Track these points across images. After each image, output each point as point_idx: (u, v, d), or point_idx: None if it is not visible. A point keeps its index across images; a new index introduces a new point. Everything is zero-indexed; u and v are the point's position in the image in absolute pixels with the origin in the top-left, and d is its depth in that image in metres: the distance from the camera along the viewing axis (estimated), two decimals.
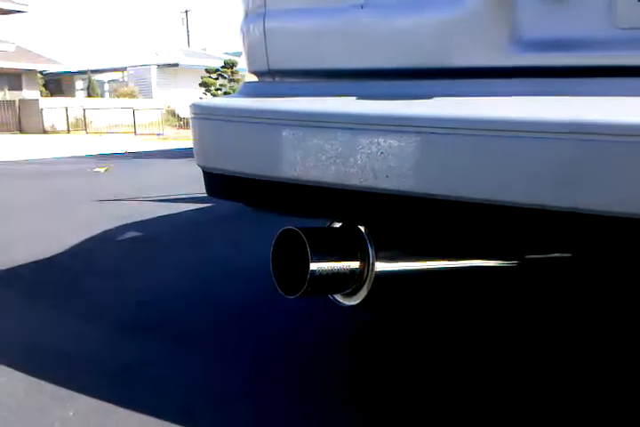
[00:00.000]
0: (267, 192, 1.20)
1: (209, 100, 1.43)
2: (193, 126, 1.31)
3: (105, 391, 1.32)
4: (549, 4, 0.97)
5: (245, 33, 1.39)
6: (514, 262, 1.39)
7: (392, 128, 0.99)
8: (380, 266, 1.19)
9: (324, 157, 1.07)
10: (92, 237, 2.87)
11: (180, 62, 26.99)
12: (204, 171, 1.31)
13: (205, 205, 3.67)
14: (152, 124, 19.56)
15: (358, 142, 1.02)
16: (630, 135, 0.78)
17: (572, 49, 0.96)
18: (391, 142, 0.98)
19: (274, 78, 1.34)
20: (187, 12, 39.96)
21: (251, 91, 1.34)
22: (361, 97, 1.11)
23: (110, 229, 3.05)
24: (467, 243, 1.26)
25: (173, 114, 22.47)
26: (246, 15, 1.37)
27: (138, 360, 1.49)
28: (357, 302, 1.21)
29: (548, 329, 1.64)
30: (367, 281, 1.19)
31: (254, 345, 1.57)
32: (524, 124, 0.86)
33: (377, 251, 1.19)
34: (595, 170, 0.80)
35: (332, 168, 1.06)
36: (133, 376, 1.40)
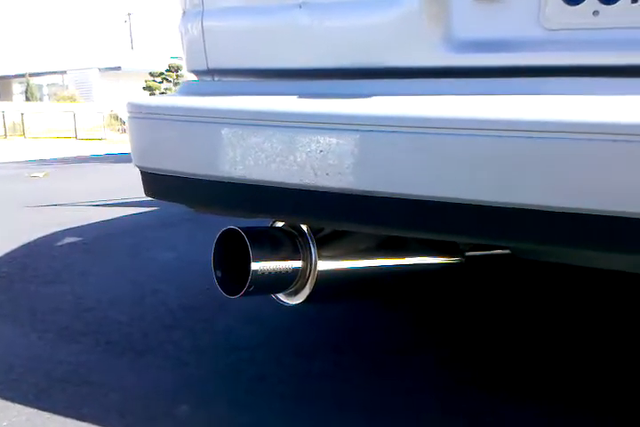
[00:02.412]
0: (206, 192, 1.18)
1: (146, 98, 1.41)
2: (130, 126, 1.28)
3: (40, 400, 1.27)
4: (482, 5, 0.99)
5: (184, 32, 1.37)
6: (456, 259, 1.42)
7: (330, 126, 1.00)
8: (323, 264, 1.20)
9: (263, 156, 1.07)
10: (29, 244, 2.77)
11: (123, 66, 26.47)
12: (141, 171, 1.29)
13: (149, 209, 3.60)
14: (94, 128, 19.09)
15: (298, 141, 1.02)
16: (561, 132, 0.81)
17: (503, 49, 0.98)
18: (330, 140, 0.99)
19: (213, 77, 1.32)
20: (129, 15, 39.29)
21: (190, 90, 1.32)
22: (299, 96, 1.11)
23: (47, 236, 2.95)
24: (408, 240, 1.28)
25: (116, 118, 21.99)
26: (184, 14, 1.36)
27: (75, 367, 1.44)
28: (300, 300, 1.21)
29: (494, 327, 1.68)
30: (310, 280, 1.19)
31: (196, 348, 1.55)
32: (457, 122, 0.88)
33: (319, 249, 1.19)
34: (527, 164, 0.83)
35: (273, 167, 1.06)
36: (69, 383, 1.36)
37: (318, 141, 1.00)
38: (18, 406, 1.25)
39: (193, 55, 1.34)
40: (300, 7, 1.15)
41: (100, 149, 12.31)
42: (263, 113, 1.09)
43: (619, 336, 1.58)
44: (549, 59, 0.95)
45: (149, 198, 1.39)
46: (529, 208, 0.83)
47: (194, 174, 1.18)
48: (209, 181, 1.15)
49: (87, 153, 11.04)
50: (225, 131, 1.11)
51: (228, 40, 1.27)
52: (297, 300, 1.22)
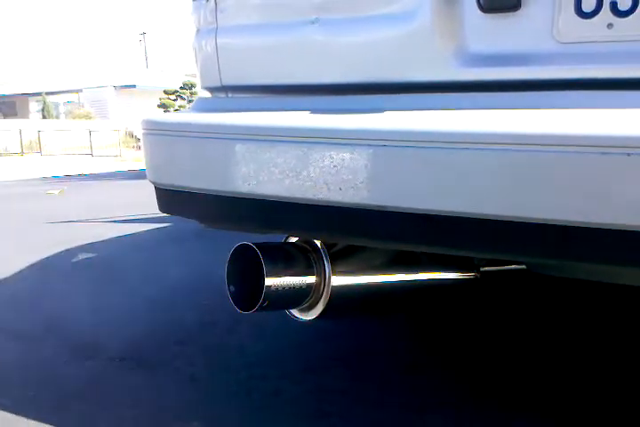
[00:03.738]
0: (219, 208, 1.18)
1: (160, 115, 1.42)
2: (144, 142, 1.29)
3: (54, 415, 1.27)
4: (494, 19, 0.99)
5: (198, 49, 1.38)
6: (471, 275, 1.41)
7: (344, 141, 1.00)
8: (337, 280, 1.19)
9: (277, 171, 1.07)
10: (44, 260, 2.79)
11: (138, 84, 26.82)
12: (155, 187, 1.29)
13: (161, 224, 3.61)
14: (109, 145, 19.31)
15: (311, 156, 1.02)
16: (571, 145, 0.80)
17: (516, 63, 0.98)
18: (343, 155, 0.99)
19: (227, 94, 1.33)
20: (144, 34, 39.93)
21: (203, 106, 1.33)
22: (312, 111, 1.11)
23: (63, 252, 2.97)
24: (422, 255, 1.27)
25: (131, 135, 22.23)
26: (198, 31, 1.37)
27: (88, 383, 1.44)
28: (314, 316, 1.20)
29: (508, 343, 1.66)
30: (324, 295, 1.18)
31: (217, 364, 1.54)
32: (470, 137, 0.87)
33: (333, 265, 1.19)
34: (543, 178, 0.82)
35: (286, 182, 1.06)
36: (82, 399, 1.35)
37: (331, 156, 1.00)
38: (32, 422, 1.25)
39: (207, 72, 1.35)
40: (314, 23, 1.16)
41: (115, 166, 12.44)
42: (276, 129, 1.09)
43: (636, 353, 1.55)
44: (563, 72, 0.94)
45: (162, 214, 1.39)
46: (547, 223, 0.82)
47: (207, 190, 1.18)
48: (222, 196, 1.16)
49: (102, 170, 11.16)
50: (238, 147, 1.11)
51: (242, 57, 1.28)
52: (311, 315, 1.21)
